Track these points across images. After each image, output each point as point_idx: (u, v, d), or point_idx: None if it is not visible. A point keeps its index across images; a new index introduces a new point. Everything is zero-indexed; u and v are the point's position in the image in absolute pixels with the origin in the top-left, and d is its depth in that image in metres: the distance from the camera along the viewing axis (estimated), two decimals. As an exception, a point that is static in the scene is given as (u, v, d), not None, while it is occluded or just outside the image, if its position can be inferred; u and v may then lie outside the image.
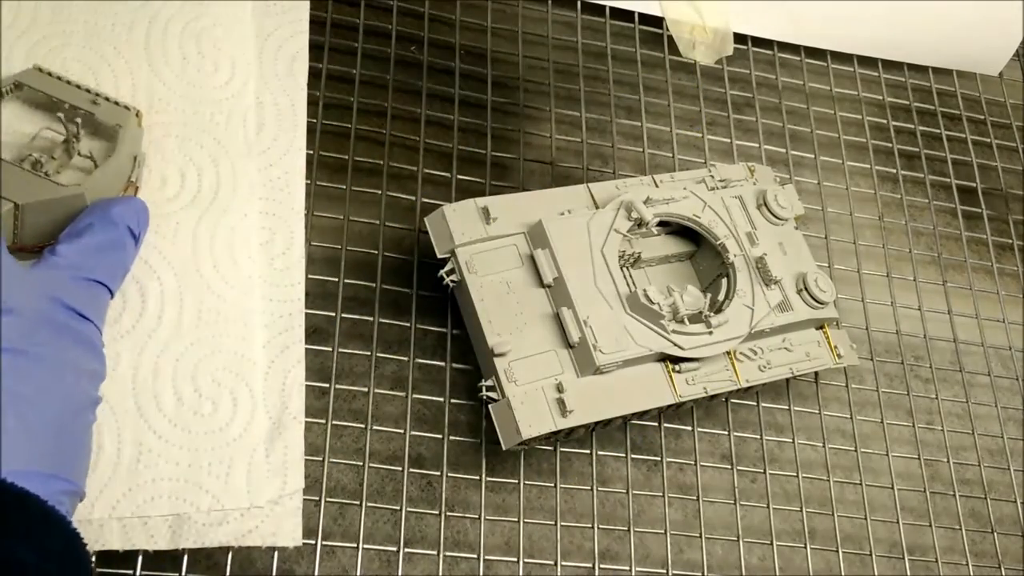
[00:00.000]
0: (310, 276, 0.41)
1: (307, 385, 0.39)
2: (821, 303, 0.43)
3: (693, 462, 0.44)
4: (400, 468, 0.40)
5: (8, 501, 0.28)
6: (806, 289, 0.43)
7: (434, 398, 0.42)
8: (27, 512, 0.28)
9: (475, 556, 0.40)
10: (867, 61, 0.57)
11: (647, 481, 0.43)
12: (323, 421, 0.40)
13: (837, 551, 0.43)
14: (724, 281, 0.43)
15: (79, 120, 0.39)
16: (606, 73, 0.52)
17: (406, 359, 0.42)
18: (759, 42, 0.56)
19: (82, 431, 0.32)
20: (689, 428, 0.44)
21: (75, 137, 0.38)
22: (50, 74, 0.39)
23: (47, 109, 0.39)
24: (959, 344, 0.50)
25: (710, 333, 0.41)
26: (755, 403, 0.45)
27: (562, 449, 0.42)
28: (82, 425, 0.32)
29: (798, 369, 0.43)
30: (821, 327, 0.44)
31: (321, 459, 0.39)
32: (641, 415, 0.42)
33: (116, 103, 0.39)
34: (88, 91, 0.39)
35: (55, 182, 0.37)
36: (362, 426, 0.41)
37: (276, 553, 0.37)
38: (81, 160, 0.39)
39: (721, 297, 0.42)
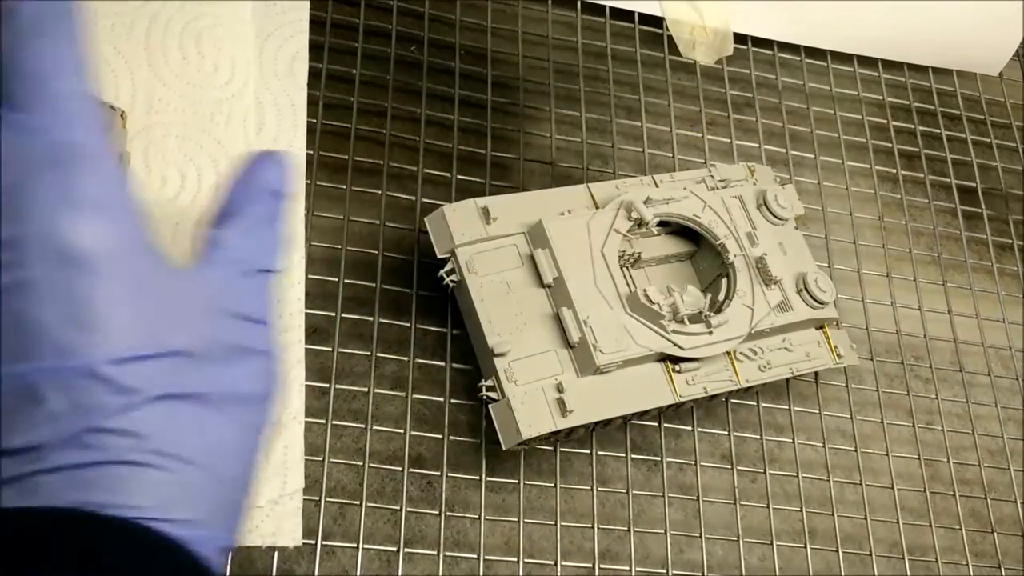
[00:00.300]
0: (310, 276, 0.41)
1: (307, 385, 0.39)
2: (821, 303, 0.43)
3: (693, 462, 0.44)
4: (400, 468, 0.40)
5: (160, 550, 0.25)
6: (806, 289, 0.43)
7: (434, 398, 0.42)
8: (177, 563, 0.25)
9: (475, 556, 0.40)
10: (867, 61, 0.57)
11: (647, 481, 0.43)
12: (323, 421, 0.40)
13: (837, 551, 0.43)
14: (724, 281, 0.43)
15: None
16: (606, 73, 0.52)
17: (406, 359, 0.42)
18: (759, 42, 0.56)
19: (253, 472, 0.28)
20: (689, 428, 0.44)
21: None
22: None
23: None
24: (959, 344, 0.50)
25: (710, 333, 0.41)
26: (755, 403, 0.45)
27: (562, 449, 0.42)
28: (255, 465, 0.28)
29: (798, 369, 0.43)
30: (821, 327, 0.44)
31: (321, 459, 0.39)
32: (641, 415, 0.42)
33: (101, 103, 0.39)
34: None
35: None
36: (362, 426, 0.41)
37: (276, 553, 0.37)
38: None
39: (721, 297, 0.42)
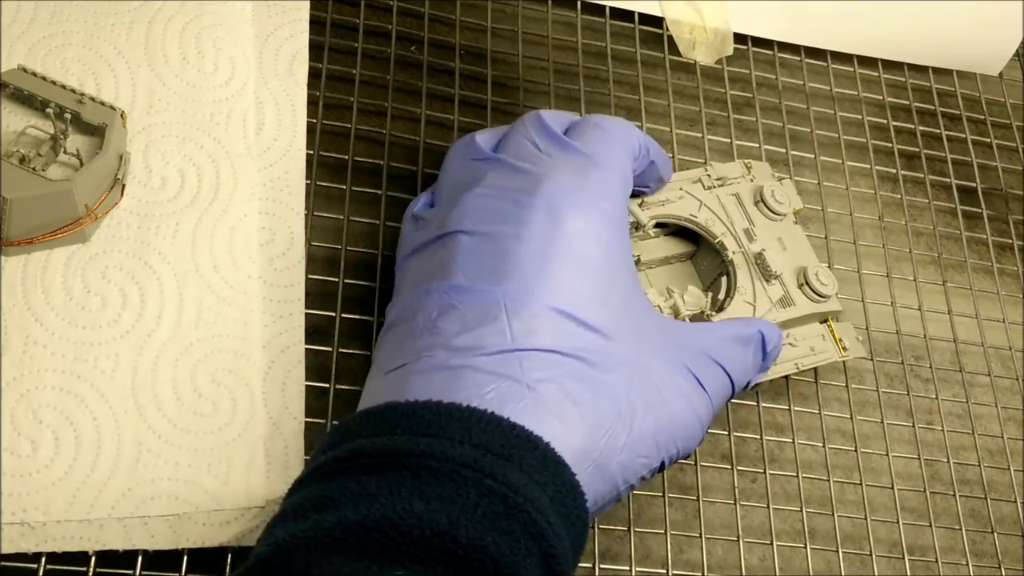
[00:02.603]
0: (310, 276, 0.41)
1: (307, 385, 0.39)
2: (823, 296, 0.43)
3: (693, 462, 0.43)
4: (400, 468, 0.40)
5: (550, 463, 0.30)
6: (807, 283, 0.43)
7: (434, 398, 0.42)
8: (563, 480, 0.30)
9: (475, 556, 0.39)
10: (867, 61, 0.57)
11: (647, 481, 0.43)
12: (323, 421, 0.40)
13: (837, 551, 0.43)
14: (724, 279, 0.43)
15: (68, 117, 0.39)
16: (606, 73, 0.52)
17: (406, 359, 0.42)
18: (759, 42, 0.56)
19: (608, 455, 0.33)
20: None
21: (63, 135, 0.39)
22: (34, 74, 0.39)
23: (32, 107, 0.39)
24: (959, 344, 0.50)
25: None
26: (755, 403, 0.45)
27: (562, 449, 0.42)
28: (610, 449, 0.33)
29: (803, 364, 0.43)
30: (825, 320, 0.44)
31: (321, 459, 0.39)
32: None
33: (101, 103, 0.39)
34: (73, 91, 0.39)
35: (43, 177, 0.37)
36: (362, 426, 0.40)
37: (276, 553, 0.37)
38: (66, 157, 0.39)
39: (722, 296, 0.42)
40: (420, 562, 0.26)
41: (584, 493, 0.31)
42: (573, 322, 0.33)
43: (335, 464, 0.29)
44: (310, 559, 0.26)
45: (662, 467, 0.35)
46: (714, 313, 0.41)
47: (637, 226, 0.42)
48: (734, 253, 0.43)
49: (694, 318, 0.41)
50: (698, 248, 0.45)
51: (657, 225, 0.43)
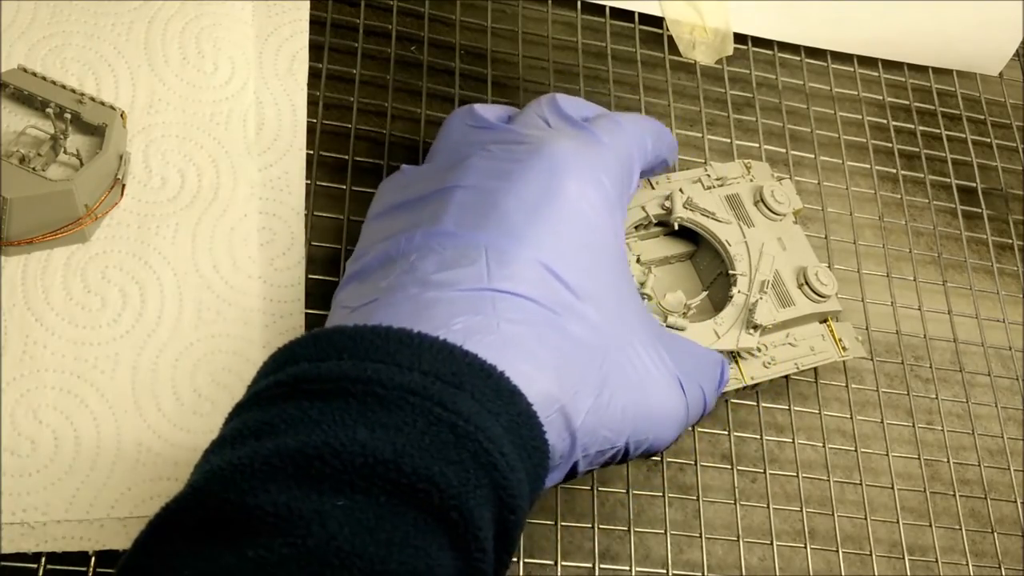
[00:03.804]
0: (310, 276, 0.41)
1: (307, 385, 0.39)
2: (823, 296, 0.43)
3: (693, 462, 0.43)
4: (400, 468, 0.40)
5: (504, 392, 0.29)
6: (807, 283, 0.43)
7: (434, 398, 0.42)
8: (518, 409, 0.29)
9: (475, 556, 0.39)
10: (867, 61, 0.57)
11: (647, 481, 0.43)
12: (323, 421, 0.40)
13: (837, 551, 0.43)
14: (725, 279, 0.43)
15: (68, 117, 0.39)
16: (606, 73, 0.52)
17: (406, 359, 0.42)
18: (759, 42, 0.56)
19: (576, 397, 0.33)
20: (689, 428, 0.44)
21: (63, 134, 0.39)
22: (34, 74, 0.39)
23: (32, 107, 0.39)
24: (959, 344, 0.50)
25: (716, 335, 0.41)
26: (755, 403, 0.45)
27: (562, 449, 0.42)
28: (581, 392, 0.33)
29: (803, 364, 0.43)
30: (824, 320, 0.44)
31: (321, 459, 0.39)
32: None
33: (101, 103, 0.39)
34: (73, 91, 0.39)
35: (43, 176, 0.37)
36: (362, 426, 0.40)
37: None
38: (66, 157, 0.39)
39: (723, 296, 0.42)
40: (362, 492, 0.25)
41: (542, 424, 0.30)
42: (554, 278, 0.32)
43: (277, 389, 0.28)
44: (245, 487, 0.25)
45: (626, 454, 0.34)
46: (687, 322, 0.41)
47: (637, 226, 0.42)
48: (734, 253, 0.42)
49: (694, 320, 0.41)
50: (698, 248, 0.45)
51: (657, 224, 0.43)
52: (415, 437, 0.27)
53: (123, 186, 0.40)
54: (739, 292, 0.42)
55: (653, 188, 0.44)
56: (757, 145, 0.52)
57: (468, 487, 0.27)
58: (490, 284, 0.31)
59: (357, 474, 0.26)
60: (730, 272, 0.42)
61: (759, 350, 0.42)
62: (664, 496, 0.43)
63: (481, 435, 0.27)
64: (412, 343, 0.29)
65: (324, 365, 0.28)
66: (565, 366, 0.31)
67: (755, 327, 0.41)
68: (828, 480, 0.45)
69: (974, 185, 0.56)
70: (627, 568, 0.41)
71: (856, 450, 0.46)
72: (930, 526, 0.45)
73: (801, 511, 0.44)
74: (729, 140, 0.52)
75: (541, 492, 0.31)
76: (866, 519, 0.44)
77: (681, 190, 0.43)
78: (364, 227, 0.37)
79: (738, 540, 0.42)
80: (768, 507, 0.44)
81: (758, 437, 0.45)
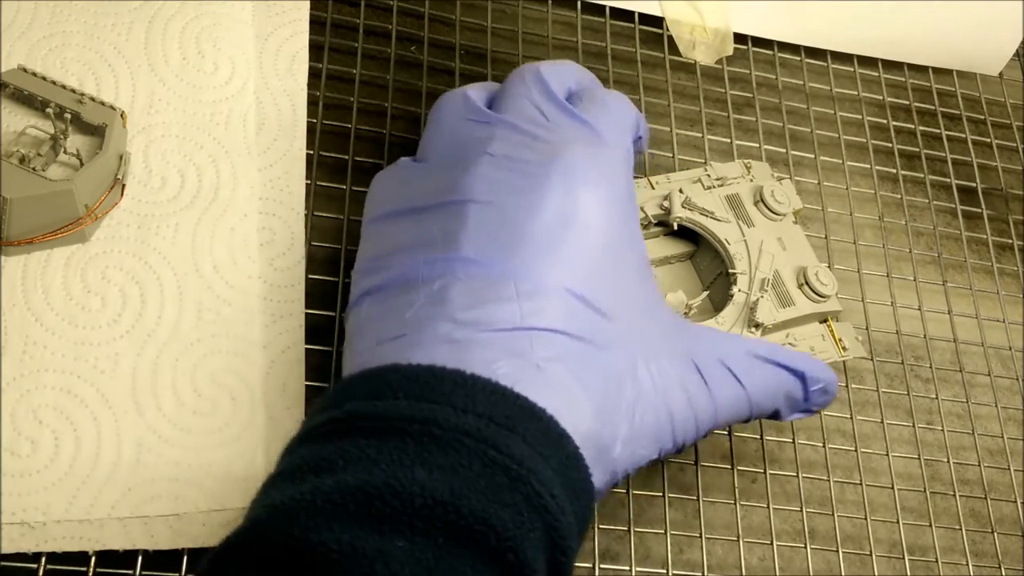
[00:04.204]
0: (310, 276, 0.41)
1: (307, 385, 0.39)
2: (823, 296, 0.43)
3: (693, 462, 0.44)
4: (400, 468, 0.40)
5: (553, 435, 0.30)
6: (807, 283, 0.43)
7: (434, 398, 0.42)
8: (567, 453, 0.30)
9: (475, 556, 0.39)
10: (867, 61, 0.57)
11: (647, 481, 0.43)
12: (323, 421, 0.40)
13: (837, 551, 0.43)
14: (725, 279, 0.43)
15: (68, 117, 0.39)
16: (606, 73, 0.52)
17: (406, 359, 0.42)
18: (759, 42, 0.56)
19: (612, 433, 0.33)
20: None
21: (63, 135, 0.39)
22: (34, 74, 0.39)
23: (32, 107, 0.40)
24: (959, 344, 0.50)
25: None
26: (755, 403, 0.45)
27: (562, 449, 0.42)
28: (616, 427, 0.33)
29: None
30: (824, 320, 0.44)
31: (321, 459, 0.39)
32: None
33: (101, 103, 0.39)
34: (73, 91, 0.39)
35: (43, 176, 0.37)
36: (362, 426, 0.40)
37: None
38: (66, 158, 0.39)
39: (723, 296, 0.42)
40: (421, 533, 0.26)
41: (588, 466, 0.30)
42: (581, 303, 0.32)
43: (332, 425, 0.29)
44: (309, 524, 0.26)
45: (657, 458, 0.35)
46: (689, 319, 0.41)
47: (644, 225, 0.42)
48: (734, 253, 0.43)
49: (695, 319, 0.41)
50: (698, 248, 0.45)
51: (657, 224, 0.43)
52: (471, 479, 0.27)
53: (123, 186, 0.40)
54: (739, 291, 0.42)
55: (653, 188, 0.44)
56: (757, 145, 0.52)
57: (523, 530, 0.27)
58: (523, 323, 0.31)
59: (417, 515, 0.26)
60: (730, 271, 0.42)
61: None
62: (664, 496, 0.43)
63: (533, 478, 0.28)
64: (466, 384, 0.29)
65: (380, 404, 0.29)
66: (602, 401, 0.32)
67: (756, 325, 0.41)
68: (828, 480, 0.45)
69: (974, 185, 0.56)
70: (627, 568, 0.41)
71: (856, 450, 0.46)
72: (930, 526, 0.45)
73: (801, 511, 0.44)
74: (729, 140, 0.52)
75: (585, 532, 0.32)
76: (866, 519, 0.44)
77: (681, 190, 0.43)
78: (365, 229, 0.37)
79: (738, 540, 0.42)
80: (768, 507, 0.44)
81: (758, 437, 0.45)
